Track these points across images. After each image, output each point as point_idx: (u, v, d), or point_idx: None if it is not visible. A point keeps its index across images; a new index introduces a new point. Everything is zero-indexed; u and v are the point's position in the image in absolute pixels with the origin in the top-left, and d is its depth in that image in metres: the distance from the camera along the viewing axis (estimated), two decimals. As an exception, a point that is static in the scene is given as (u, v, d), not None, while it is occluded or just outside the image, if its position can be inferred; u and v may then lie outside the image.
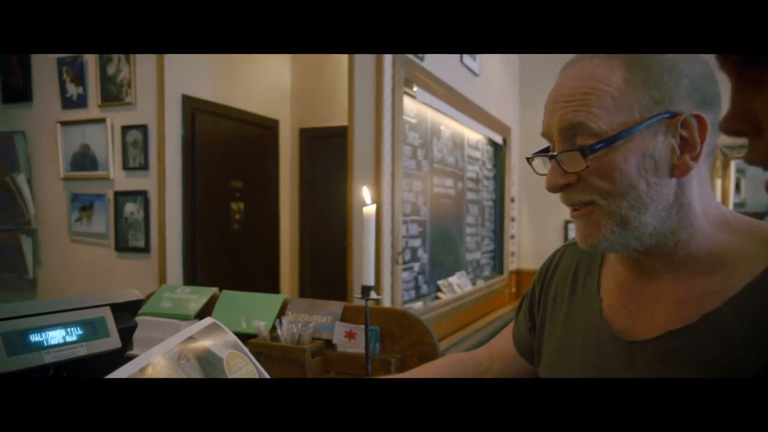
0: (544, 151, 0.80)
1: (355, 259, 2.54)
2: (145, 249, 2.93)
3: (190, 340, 0.86)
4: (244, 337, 1.45)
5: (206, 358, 0.85)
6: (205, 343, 0.88)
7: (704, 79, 0.72)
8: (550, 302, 0.93)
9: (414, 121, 3.10)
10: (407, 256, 2.96)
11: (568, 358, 0.85)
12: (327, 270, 4.05)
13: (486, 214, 4.54)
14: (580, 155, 0.71)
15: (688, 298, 0.73)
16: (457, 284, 3.65)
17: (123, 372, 0.70)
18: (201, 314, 1.56)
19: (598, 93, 0.71)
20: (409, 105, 3.03)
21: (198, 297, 1.59)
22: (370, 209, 1.28)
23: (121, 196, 2.99)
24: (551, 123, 0.75)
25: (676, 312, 0.73)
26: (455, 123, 3.76)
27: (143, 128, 2.93)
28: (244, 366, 0.92)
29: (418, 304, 3.05)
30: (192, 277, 3.12)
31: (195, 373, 0.81)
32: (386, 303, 2.58)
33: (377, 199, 2.54)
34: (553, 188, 0.76)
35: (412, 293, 3.06)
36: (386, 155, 2.61)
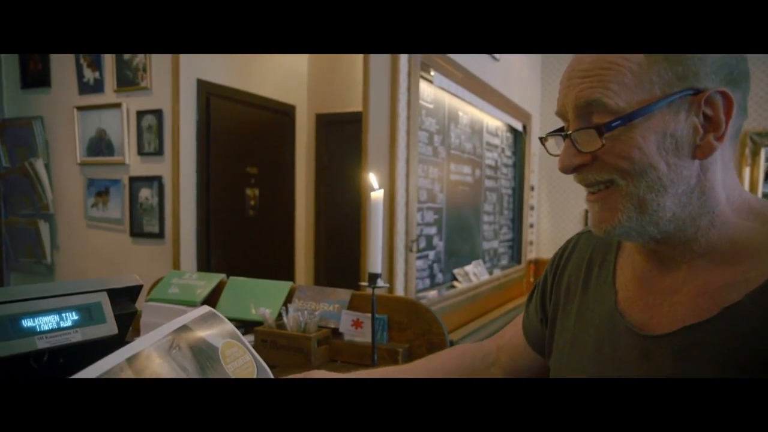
0: (558, 131, 0.75)
1: (369, 246, 2.51)
2: (160, 235, 2.93)
3: (183, 329, 0.83)
4: (251, 324, 1.44)
5: (200, 348, 0.82)
6: (200, 332, 0.86)
7: (733, 56, 0.67)
8: (563, 293, 0.89)
9: (431, 106, 3.05)
10: (422, 244, 2.92)
11: (580, 351, 0.81)
12: (342, 257, 4.03)
13: (504, 202, 4.47)
14: (595, 133, 0.66)
15: (708, 290, 0.68)
16: (474, 273, 3.60)
17: (108, 362, 0.68)
18: (208, 300, 1.54)
19: (616, 68, 0.66)
20: (426, 90, 2.97)
21: (205, 283, 1.57)
22: (377, 194, 1.24)
23: (136, 182, 2.99)
24: (566, 100, 0.71)
25: (695, 305, 0.68)
26: (474, 109, 3.69)
27: (158, 113, 2.93)
28: (240, 356, 0.89)
29: (433, 293, 3.01)
30: (206, 263, 3.12)
31: (187, 362, 0.78)
32: (399, 291, 2.55)
33: (391, 186, 2.50)
34: (566, 169, 0.71)
35: (427, 282, 3.02)
36: (401, 141, 2.56)
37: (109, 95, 3.06)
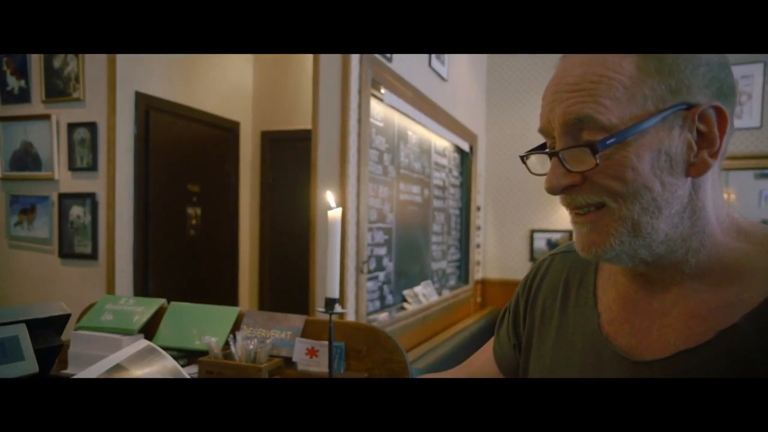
0: (541, 148, 0.70)
1: (318, 269, 2.41)
2: (93, 255, 2.73)
3: (117, 369, 0.72)
4: (196, 354, 1.31)
5: None
6: (136, 371, 0.75)
7: (722, 69, 0.64)
8: (538, 316, 0.83)
9: (381, 124, 3.00)
10: (372, 265, 2.85)
11: (561, 377, 0.75)
12: (288, 280, 3.90)
13: (452, 222, 4.47)
14: (588, 152, 0.62)
15: (701, 313, 0.64)
16: (423, 294, 3.55)
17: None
18: (146, 328, 1.41)
19: (607, 81, 0.62)
20: (376, 108, 2.92)
21: (143, 309, 1.43)
22: (335, 213, 1.16)
23: (66, 199, 2.79)
24: (552, 117, 0.65)
25: (687, 328, 0.65)
26: (422, 128, 3.68)
27: (92, 126, 2.75)
28: None
29: (383, 315, 2.93)
30: (143, 286, 2.93)
31: (123, 406, 0.67)
32: (350, 314, 2.46)
33: (342, 205, 2.42)
34: (554, 190, 0.66)
35: (377, 303, 2.94)
36: (352, 158, 2.49)
37: (36, 106, 2.85)
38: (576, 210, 0.67)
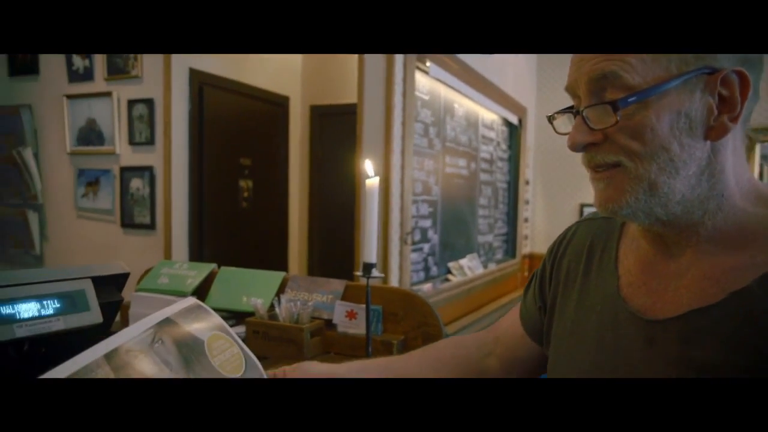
0: (568, 109, 0.72)
1: (363, 235, 2.47)
2: (151, 226, 2.89)
3: (166, 322, 0.80)
4: (243, 315, 1.40)
5: (185, 341, 0.79)
6: (184, 324, 0.82)
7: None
8: (563, 279, 0.86)
9: (426, 98, 3.01)
10: (417, 237, 2.89)
11: (580, 339, 0.79)
12: (336, 249, 4.00)
13: (499, 196, 4.44)
14: (610, 110, 0.64)
15: (714, 275, 0.66)
16: (468, 267, 3.57)
17: (84, 358, 0.64)
18: (199, 290, 1.51)
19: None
20: (422, 81, 2.93)
21: (196, 273, 1.53)
22: (372, 181, 1.21)
23: (127, 172, 2.95)
24: (579, 75, 0.68)
25: (700, 289, 0.66)
26: (469, 101, 3.66)
27: (149, 102, 2.88)
28: (228, 348, 0.85)
29: (427, 286, 2.98)
30: (198, 254, 3.08)
31: (171, 357, 0.75)
32: (394, 284, 2.52)
33: (386, 178, 2.46)
34: (575, 147, 0.68)
35: (422, 275, 2.99)
36: (396, 132, 2.53)
37: (99, 83, 3.00)
38: (595, 168, 0.70)
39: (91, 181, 3.05)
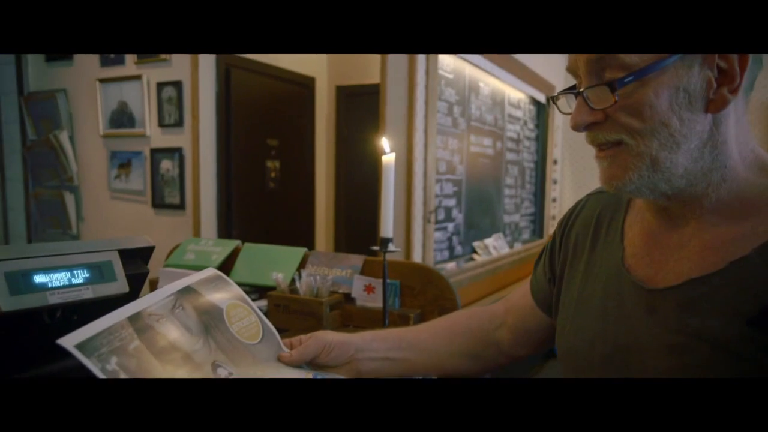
0: (570, 89, 0.73)
1: (381, 211, 2.50)
2: (181, 206, 2.96)
3: (187, 290, 0.84)
4: (266, 289, 1.45)
5: (204, 308, 0.83)
6: (204, 293, 0.86)
7: None
8: (571, 251, 0.88)
9: (450, 76, 3.00)
10: (441, 216, 2.91)
11: (586, 308, 0.80)
12: (362, 227, 4.04)
13: (526, 175, 4.41)
14: (608, 90, 0.65)
15: (715, 244, 0.67)
16: (494, 246, 3.57)
17: (110, 319, 0.69)
18: (223, 266, 1.56)
19: None
20: (446, 59, 2.92)
21: (221, 249, 1.58)
22: (389, 158, 1.23)
23: (157, 153, 3.03)
24: (578, 56, 0.69)
25: (701, 259, 0.67)
26: (495, 80, 3.63)
27: (178, 84, 2.94)
28: (246, 316, 0.89)
29: (451, 265, 3.00)
30: (227, 233, 3.15)
31: (191, 322, 0.79)
32: (416, 261, 2.55)
33: (408, 156, 2.48)
34: (577, 127, 0.70)
35: (446, 254, 3.01)
36: (419, 111, 2.53)
37: (129, 67, 3.08)
38: (599, 146, 0.71)
39: (123, 162, 3.14)
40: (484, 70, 3.41)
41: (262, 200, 3.64)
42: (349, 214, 4.26)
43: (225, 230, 3.13)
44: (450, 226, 3.06)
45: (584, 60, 0.68)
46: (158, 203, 3.04)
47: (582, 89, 0.68)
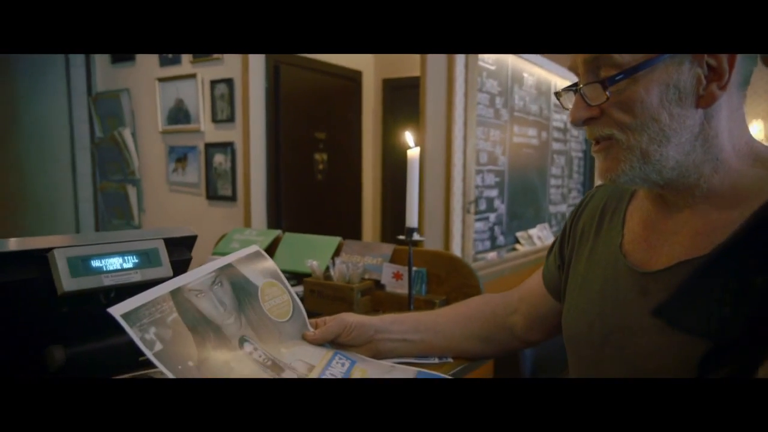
0: (571, 86, 0.79)
1: (427, 206, 2.57)
2: (233, 198, 3.12)
3: (228, 267, 0.94)
4: (303, 276, 1.55)
5: (240, 285, 0.93)
6: (243, 270, 0.96)
7: None
8: (578, 238, 0.93)
9: (492, 68, 3.02)
10: (482, 206, 2.95)
11: (587, 292, 0.86)
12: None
13: (574, 165, 4.36)
14: (601, 87, 0.70)
15: (706, 230, 0.71)
16: (538, 236, 3.57)
17: (153, 293, 0.79)
18: (265, 254, 1.67)
19: None
20: (487, 51, 2.94)
21: (263, 238, 1.69)
22: (413, 152, 1.30)
23: (210, 148, 3.19)
24: (577, 55, 0.74)
25: (692, 243, 0.72)
26: (540, 69, 3.61)
27: (229, 82, 3.08)
28: (279, 295, 0.99)
29: (492, 255, 3.04)
30: (276, 224, 3.29)
31: (226, 298, 0.89)
32: (456, 251, 2.60)
33: (448, 149, 2.53)
34: (576, 122, 0.76)
35: (487, 244, 3.05)
36: (458, 104, 2.58)
37: (185, 66, 3.25)
38: (595, 141, 0.76)
39: (180, 157, 3.33)
40: (529, 61, 3.40)
41: (310, 192, 3.77)
42: (395, 205, 4.34)
43: (274, 221, 3.27)
44: (492, 216, 3.09)
45: (582, 59, 0.73)
46: (212, 195, 3.21)
47: (579, 87, 0.74)
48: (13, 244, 0.88)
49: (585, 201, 0.98)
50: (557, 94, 0.84)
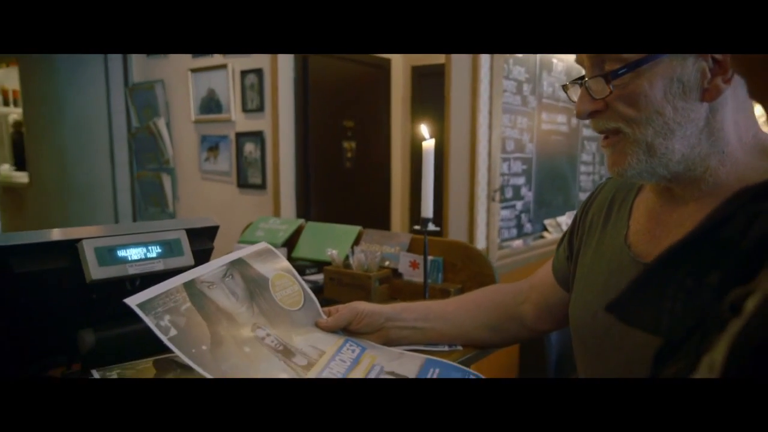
0: (577, 80, 0.80)
1: (451, 194, 2.58)
2: (262, 186, 3.19)
3: (239, 261, 0.99)
4: (324, 264, 1.59)
5: (251, 277, 0.97)
6: (254, 264, 1.01)
7: None
8: (586, 230, 0.95)
9: (519, 55, 2.99)
10: (509, 194, 2.94)
11: (593, 282, 0.87)
12: (437, 204, 4.12)
13: (606, 151, 4.29)
14: (604, 81, 0.71)
15: None
16: (567, 224, 3.54)
17: (167, 284, 0.84)
18: (288, 242, 1.72)
19: None
20: (514, 38, 2.91)
21: (286, 227, 1.74)
22: (428, 144, 1.32)
23: (241, 137, 3.26)
24: None
25: None
26: (570, 56, 3.55)
27: (259, 72, 3.14)
28: (289, 286, 1.03)
29: (517, 243, 3.03)
30: (305, 212, 3.36)
31: (238, 289, 0.93)
32: (481, 240, 2.61)
33: (472, 137, 2.54)
34: (580, 114, 0.77)
35: (514, 231, 3.05)
36: (483, 92, 2.57)
37: (217, 57, 3.32)
38: (601, 133, 0.78)
39: (212, 146, 3.41)
40: (558, 46, 3.35)
41: (338, 180, 3.82)
42: (424, 192, 4.35)
43: (303, 208, 3.33)
44: (519, 204, 3.08)
45: (587, 53, 0.74)
46: (242, 183, 3.28)
47: (585, 80, 0.75)
48: (47, 235, 0.95)
49: (595, 193, 0.99)
50: (564, 87, 0.86)
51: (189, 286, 0.87)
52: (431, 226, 1.31)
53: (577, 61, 0.79)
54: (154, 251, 1.05)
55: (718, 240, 0.54)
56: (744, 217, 0.45)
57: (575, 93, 0.81)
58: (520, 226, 3.11)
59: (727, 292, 0.39)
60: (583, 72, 0.79)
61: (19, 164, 4.75)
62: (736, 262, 0.44)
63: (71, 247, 0.96)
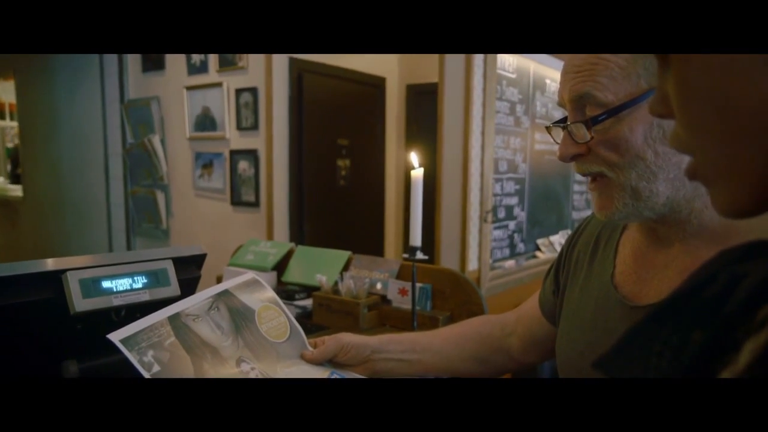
0: (561, 121, 0.81)
1: (443, 217, 2.59)
2: (256, 203, 3.19)
3: (225, 293, 0.98)
4: (313, 289, 1.59)
5: (237, 309, 0.97)
6: (240, 296, 1.00)
7: None
8: (573, 265, 0.95)
9: (513, 76, 3.02)
10: (501, 214, 2.95)
11: (580, 320, 0.87)
12: (431, 224, 4.12)
13: (600, 170, 4.30)
14: (584, 127, 0.72)
15: (694, 266, 0.72)
16: (560, 243, 3.55)
17: (151, 318, 0.84)
18: (279, 266, 1.72)
19: (605, 63, 0.71)
20: (507, 60, 2.94)
21: (276, 251, 1.75)
22: (417, 173, 1.33)
23: (235, 155, 3.27)
24: (564, 93, 0.76)
25: (681, 279, 0.73)
26: (564, 75, 3.58)
27: (254, 90, 3.15)
28: (276, 317, 1.03)
29: (510, 263, 3.04)
30: (299, 230, 3.35)
31: (224, 322, 0.93)
32: (473, 260, 2.62)
33: (464, 158, 2.55)
34: (563, 158, 0.78)
35: (506, 251, 3.05)
36: (476, 113, 2.59)
37: (212, 75, 3.33)
38: (585, 176, 0.78)
39: (206, 163, 3.42)
40: (552, 67, 3.38)
41: (332, 197, 3.82)
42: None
43: (297, 226, 3.33)
44: (511, 224, 3.09)
45: (568, 97, 0.75)
46: (236, 201, 3.29)
47: (567, 124, 0.76)
48: (31, 266, 0.94)
49: (581, 228, 0.99)
50: (548, 129, 0.86)
51: (173, 319, 0.87)
52: (420, 255, 1.31)
53: (560, 103, 0.80)
54: (140, 282, 1.05)
55: (700, 299, 0.55)
56: (726, 277, 0.46)
57: (558, 135, 0.82)
58: (512, 246, 3.12)
59: (712, 352, 0.40)
60: (566, 114, 0.80)
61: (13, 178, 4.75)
62: (721, 323, 0.44)
63: (56, 278, 0.96)
